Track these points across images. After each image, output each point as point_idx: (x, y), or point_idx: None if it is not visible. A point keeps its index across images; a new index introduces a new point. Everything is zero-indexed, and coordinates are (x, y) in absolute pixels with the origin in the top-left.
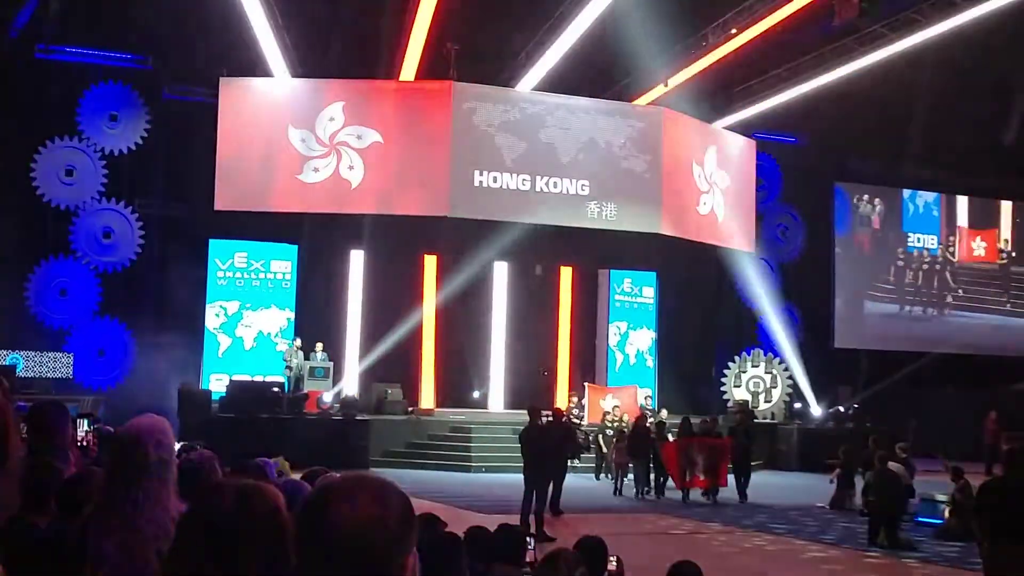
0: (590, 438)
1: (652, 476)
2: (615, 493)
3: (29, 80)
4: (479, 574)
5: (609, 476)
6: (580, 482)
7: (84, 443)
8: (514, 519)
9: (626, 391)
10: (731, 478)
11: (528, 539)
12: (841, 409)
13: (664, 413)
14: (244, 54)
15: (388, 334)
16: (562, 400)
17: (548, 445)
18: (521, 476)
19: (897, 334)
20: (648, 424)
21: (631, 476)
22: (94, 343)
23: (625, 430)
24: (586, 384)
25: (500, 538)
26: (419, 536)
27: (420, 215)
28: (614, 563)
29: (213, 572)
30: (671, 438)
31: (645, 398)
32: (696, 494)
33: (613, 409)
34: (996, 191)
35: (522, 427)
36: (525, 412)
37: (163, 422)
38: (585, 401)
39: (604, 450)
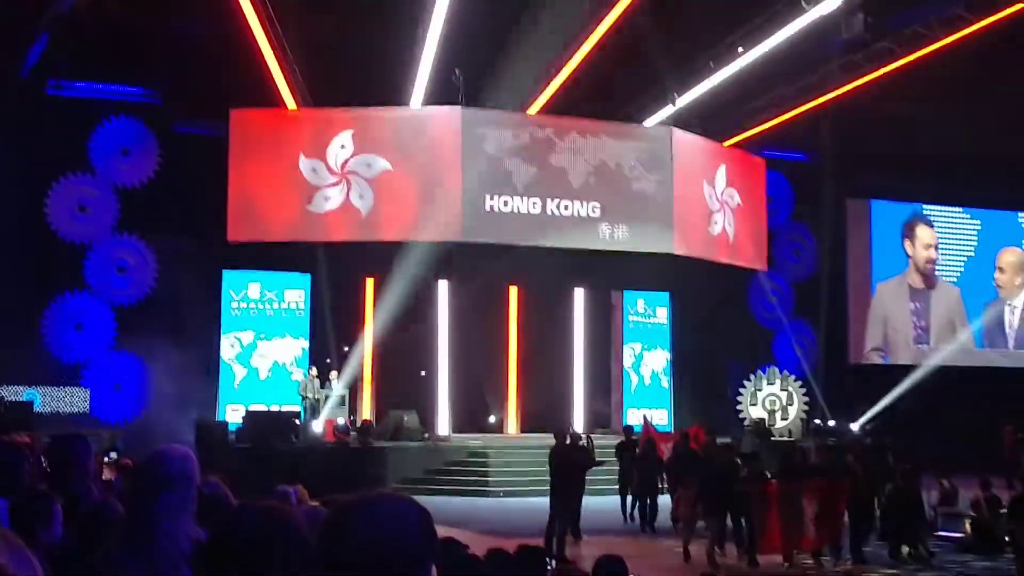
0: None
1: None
2: (686, 560)
3: (41, 116)
4: None
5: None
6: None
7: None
8: (534, 542)
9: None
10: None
11: (549, 560)
12: (854, 428)
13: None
14: (253, 86)
15: (403, 361)
16: (578, 422)
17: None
18: (540, 499)
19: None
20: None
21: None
22: (110, 377)
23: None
24: (645, 415)
25: (520, 559)
26: (441, 558)
27: (432, 241)
28: None
29: None
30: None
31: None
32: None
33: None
34: (1013, 204)
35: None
36: (541, 435)
37: (187, 449)
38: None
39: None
